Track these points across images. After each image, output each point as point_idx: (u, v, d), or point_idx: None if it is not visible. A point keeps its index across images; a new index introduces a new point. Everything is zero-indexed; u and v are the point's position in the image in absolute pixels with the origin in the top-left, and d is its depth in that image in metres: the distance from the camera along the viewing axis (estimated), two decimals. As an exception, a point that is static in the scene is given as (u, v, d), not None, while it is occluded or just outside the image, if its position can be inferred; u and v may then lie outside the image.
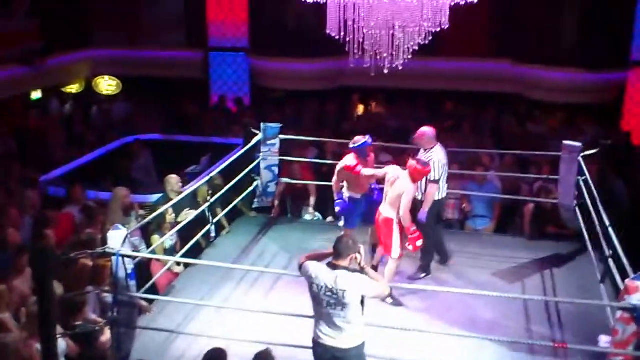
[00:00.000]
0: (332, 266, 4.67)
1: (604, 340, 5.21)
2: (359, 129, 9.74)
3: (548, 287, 7.03)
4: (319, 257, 4.89)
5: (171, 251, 7.31)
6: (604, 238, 6.42)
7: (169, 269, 7.09)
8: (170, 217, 7.32)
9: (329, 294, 4.59)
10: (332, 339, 4.66)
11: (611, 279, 6.17)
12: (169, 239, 7.23)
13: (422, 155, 6.95)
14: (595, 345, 5.28)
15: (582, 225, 7.27)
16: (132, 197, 7.79)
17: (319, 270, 4.68)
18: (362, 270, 4.72)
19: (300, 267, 4.84)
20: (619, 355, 4.86)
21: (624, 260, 5.42)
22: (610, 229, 6.17)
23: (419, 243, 6.40)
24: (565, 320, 6.28)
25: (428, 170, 6.47)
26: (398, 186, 6.36)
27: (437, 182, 6.85)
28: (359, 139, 6.81)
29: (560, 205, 7.88)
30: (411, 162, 6.35)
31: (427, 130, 7.01)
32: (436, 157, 6.87)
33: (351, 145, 6.82)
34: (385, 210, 6.47)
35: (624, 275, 5.16)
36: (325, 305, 4.62)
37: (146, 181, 10.09)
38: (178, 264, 7.30)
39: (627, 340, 4.77)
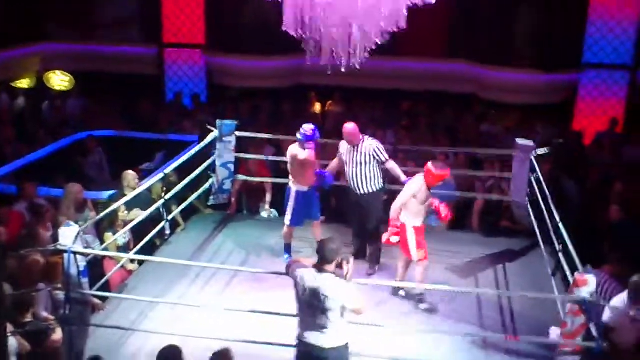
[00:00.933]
0: (318, 269, 4.63)
1: (555, 332, 5.32)
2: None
3: (501, 281, 7.17)
4: (306, 262, 4.87)
5: (125, 249, 7.21)
6: (554, 233, 6.57)
7: (122, 267, 7.00)
8: (122, 214, 7.22)
9: (313, 297, 4.57)
10: (314, 337, 4.64)
11: (561, 273, 6.32)
12: (122, 236, 7.14)
13: (351, 151, 7.05)
14: (546, 337, 5.39)
15: (534, 221, 7.42)
16: (85, 194, 7.65)
17: (305, 273, 4.65)
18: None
19: (288, 269, 4.83)
20: (568, 346, 4.98)
21: (574, 254, 5.56)
22: (560, 225, 6.32)
23: (393, 239, 6.46)
24: (518, 314, 6.41)
25: (446, 174, 6.53)
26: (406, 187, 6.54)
27: (389, 160, 7.04)
28: (307, 129, 7.00)
29: (512, 202, 8.02)
30: (429, 166, 6.45)
31: (353, 126, 7.11)
32: (373, 143, 7.04)
33: (298, 134, 7.04)
34: (401, 216, 6.52)
35: (574, 269, 5.28)
36: (309, 307, 4.60)
37: (99, 178, 9.91)
38: (132, 261, 7.21)
39: (575, 331, 4.90)
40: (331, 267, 4.61)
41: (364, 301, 4.73)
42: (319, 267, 4.63)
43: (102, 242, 7.09)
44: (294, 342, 4.84)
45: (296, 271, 4.71)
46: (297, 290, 4.67)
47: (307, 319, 4.66)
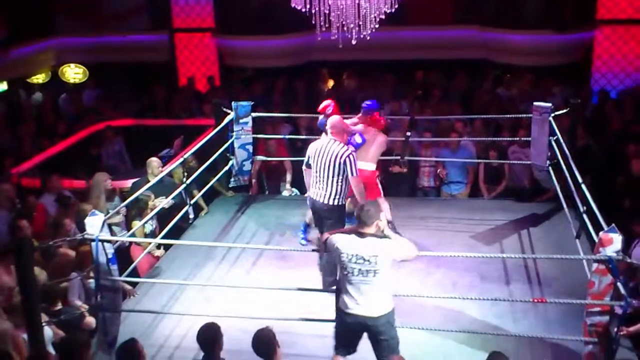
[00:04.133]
0: (360, 234, 4.68)
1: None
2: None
3: (526, 246, 7.16)
4: (342, 232, 4.92)
5: (152, 236, 7.28)
6: (577, 195, 6.53)
7: (149, 253, 7.09)
8: (152, 202, 7.28)
9: (360, 261, 4.61)
10: (362, 307, 4.67)
11: (587, 234, 6.28)
12: (150, 223, 7.21)
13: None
14: (573, 299, 5.39)
15: (556, 184, 7.38)
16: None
17: (347, 240, 4.70)
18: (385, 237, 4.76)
19: (325, 243, 4.85)
20: (596, 306, 4.97)
21: (598, 214, 5.53)
22: (583, 186, 6.28)
23: None
24: (544, 277, 6.42)
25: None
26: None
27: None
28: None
29: (533, 166, 7.99)
30: None
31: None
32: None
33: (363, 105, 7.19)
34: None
35: (599, 230, 5.25)
36: (357, 273, 4.63)
37: (120, 167, 10.01)
38: (159, 247, 7.30)
39: (603, 291, 4.88)
40: (371, 229, 4.67)
41: (410, 246, 4.80)
42: (360, 232, 4.68)
43: (129, 230, 7.19)
44: (335, 315, 4.86)
45: (336, 242, 4.73)
46: (341, 259, 4.67)
47: (354, 287, 4.65)
